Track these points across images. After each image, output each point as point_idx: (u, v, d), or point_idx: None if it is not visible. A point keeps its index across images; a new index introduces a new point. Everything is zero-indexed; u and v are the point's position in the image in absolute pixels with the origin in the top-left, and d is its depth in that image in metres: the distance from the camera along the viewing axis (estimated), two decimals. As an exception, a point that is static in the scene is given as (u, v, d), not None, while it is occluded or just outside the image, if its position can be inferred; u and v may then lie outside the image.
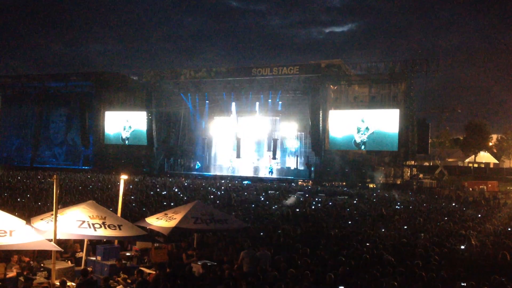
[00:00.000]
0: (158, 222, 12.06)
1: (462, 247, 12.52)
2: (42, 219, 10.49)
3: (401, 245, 12.72)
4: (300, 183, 38.35)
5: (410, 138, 38.29)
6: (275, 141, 43.46)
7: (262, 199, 25.22)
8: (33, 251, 10.88)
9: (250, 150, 45.89)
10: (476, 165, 59.68)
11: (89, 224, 10.16)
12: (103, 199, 20.85)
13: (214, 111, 46.69)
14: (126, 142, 48.57)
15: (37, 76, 53.43)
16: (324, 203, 24.16)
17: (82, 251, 11.43)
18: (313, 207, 22.53)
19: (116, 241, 11.82)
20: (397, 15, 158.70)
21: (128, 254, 11.88)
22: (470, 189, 35.71)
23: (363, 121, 38.89)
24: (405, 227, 16.61)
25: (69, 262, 10.94)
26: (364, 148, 39.22)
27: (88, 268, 10.46)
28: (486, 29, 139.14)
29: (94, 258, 11.26)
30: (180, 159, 47.92)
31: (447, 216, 20.03)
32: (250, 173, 43.38)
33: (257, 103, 44.77)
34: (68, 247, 11.77)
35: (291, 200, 24.70)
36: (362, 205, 23.52)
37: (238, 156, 44.31)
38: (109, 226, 10.33)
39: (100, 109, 49.16)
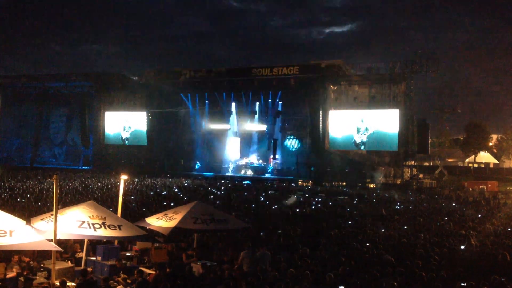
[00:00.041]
0: (158, 222, 12.06)
1: (462, 247, 12.52)
2: (42, 219, 10.49)
3: (401, 245, 12.71)
4: (300, 183, 38.34)
5: (410, 138, 38.28)
6: (275, 141, 43.45)
7: (262, 199, 25.23)
8: (33, 251, 10.88)
9: (250, 150, 45.88)
10: (476, 165, 59.67)
11: (89, 224, 10.16)
12: (103, 199, 20.85)
13: (214, 111, 46.68)
14: (126, 142, 48.60)
15: (37, 76, 53.40)
16: (324, 203, 24.16)
17: (82, 251, 11.43)
18: (313, 207, 22.54)
19: (116, 241, 11.82)
20: (397, 15, 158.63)
21: (128, 254, 11.88)
22: (470, 189, 35.70)
23: (362, 121, 38.92)
24: (405, 227, 16.61)
25: (69, 262, 10.94)
26: (364, 148, 39.24)
27: (88, 268, 10.47)
28: (486, 29, 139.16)
29: (94, 258, 11.26)
30: (180, 159, 47.90)
31: (447, 216, 20.03)
32: (250, 173, 43.39)
33: (257, 103, 44.77)
34: (68, 247, 11.77)
35: (291, 200, 24.71)
36: (362, 205, 23.53)
37: (238, 156, 44.27)
38: (109, 226, 10.33)
39: (100, 109, 49.18)
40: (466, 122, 62.31)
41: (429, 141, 41.70)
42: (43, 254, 10.79)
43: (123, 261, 10.97)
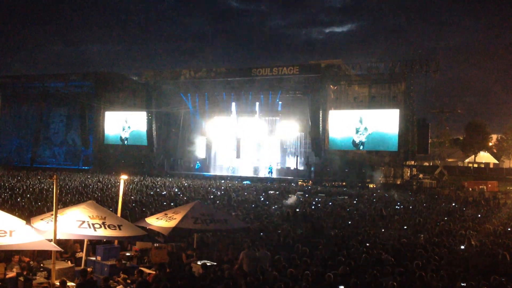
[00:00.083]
0: (158, 222, 12.06)
1: (462, 247, 12.53)
2: (42, 219, 10.50)
3: (401, 245, 12.72)
4: (300, 183, 38.35)
5: (410, 138, 38.29)
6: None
7: (262, 199, 25.23)
8: (33, 251, 10.88)
9: (250, 150, 45.92)
10: (476, 165, 59.64)
11: (89, 224, 10.17)
12: (103, 199, 20.86)
13: (214, 111, 46.67)
14: (125, 142, 48.62)
15: (37, 76, 53.46)
16: (324, 203, 24.17)
17: (82, 251, 11.43)
18: (313, 207, 22.55)
19: (116, 241, 11.82)
20: (397, 15, 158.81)
21: (128, 254, 11.88)
22: (470, 189, 35.72)
23: (361, 121, 38.94)
24: (405, 227, 16.63)
25: (69, 262, 10.94)
26: (363, 148, 39.26)
27: (88, 268, 10.46)
28: (486, 29, 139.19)
29: (94, 258, 11.26)
30: (180, 159, 47.92)
31: (447, 216, 20.05)
32: (250, 173, 43.39)
33: (257, 103, 44.77)
34: (68, 247, 11.77)
35: (291, 200, 24.70)
36: (362, 205, 23.54)
37: (238, 156, 44.30)
38: (109, 226, 10.33)
39: (100, 109, 49.19)
40: (466, 122, 62.35)
41: (429, 141, 41.69)
42: (43, 254, 10.79)
43: (123, 261, 10.97)
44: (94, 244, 11.80)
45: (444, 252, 11.78)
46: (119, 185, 13.33)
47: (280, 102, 43.99)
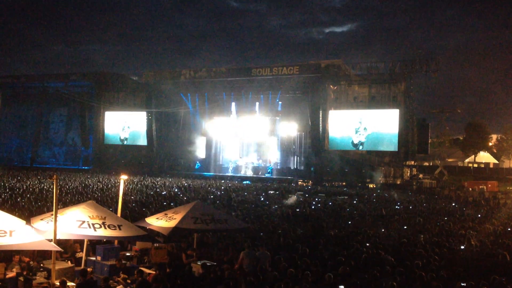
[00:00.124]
0: (158, 222, 12.06)
1: (462, 247, 12.54)
2: (42, 219, 10.50)
3: (401, 245, 12.72)
4: (300, 183, 38.35)
5: (410, 138, 38.29)
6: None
7: (262, 199, 25.24)
8: (33, 251, 10.88)
9: (250, 150, 45.91)
10: (476, 165, 59.66)
11: (89, 224, 10.16)
12: (103, 199, 20.86)
13: (214, 111, 46.66)
14: (125, 142, 48.62)
15: (37, 76, 53.49)
16: (324, 203, 24.17)
17: (82, 251, 11.43)
18: (313, 207, 22.55)
19: (116, 241, 11.83)
20: (397, 15, 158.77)
21: (128, 254, 11.88)
22: (470, 189, 35.72)
23: (360, 122, 38.95)
24: (405, 227, 16.62)
25: (69, 262, 10.94)
26: (363, 148, 39.26)
27: (88, 269, 10.46)
28: (486, 29, 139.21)
29: (94, 258, 11.26)
30: (180, 159, 47.92)
31: (447, 216, 20.05)
32: (250, 173, 43.40)
33: (257, 103, 44.76)
34: (68, 247, 11.77)
35: (291, 200, 24.71)
36: (362, 205, 23.53)
37: (238, 156, 44.27)
38: (109, 226, 10.33)
39: (100, 109, 49.20)
40: (466, 122, 62.37)
41: (429, 141, 41.71)
42: (43, 254, 10.78)
43: (123, 261, 10.98)
44: (94, 244, 11.80)
45: (444, 252, 11.79)
46: (119, 185, 13.32)
47: (280, 102, 43.99)
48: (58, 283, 8.85)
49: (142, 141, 47.22)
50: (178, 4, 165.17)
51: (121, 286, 9.70)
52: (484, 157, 61.14)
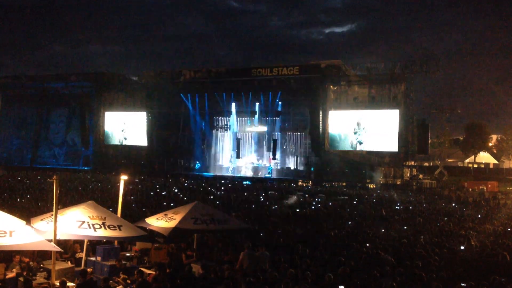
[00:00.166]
0: (158, 222, 12.06)
1: (462, 247, 12.53)
2: (42, 220, 10.50)
3: (401, 245, 12.71)
4: (300, 183, 38.32)
5: (410, 139, 38.29)
6: (274, 141, 43.42)
7: (262, 199, 25.23)
8: (33, 252, 10.88)
9: (250, 150, 45.90)
10: (476, 166, 59.63)
11: (89, 225, 10.17)
12: (103, 199, 20.83)
13: (214, 111, 46.68)
14: (125, 142, 48.59)
15: (37, 76, 53.49)
16: (324, 203, 24.16)
17: (82, 251, 11.43)
18: (313, 207, 22.54)
19: (116, 242, 11.82)
20: (397, 16, 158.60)
21: (128, 254, 11.89)
22: (470, 189, 35.71)
23: (359, 123, 38.94)
24: (405, 227, 16.60)
25: (69, 262, 10.95)
26: (362, 148, 39.24)
27: (88, 269, 10.46)
28: (486, 29, 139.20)
29: (94, 259, 11.27)
30: (180, 159, 47.91)
31: (447, 216, 20.03)
32: (250, 173, 43.39)
33: (257, 103, 44.75)
34: (68, 248, 11.78)
35: (291, 200, 24.70)
36: (362, 206, 23.52)
37: (238, 156, 44.30)
38: (109, 227, 10.34)
39: (100, 109, 49.21)
40: (466, 122, 62.24)
41: (429, 141, 41.66)
42: (43, 255, 10.79)
43: (123, 262, 10.98)
44: (94, 244, 11.80)
45: (444, 252, 11.78)
46: (119, 185, 13.32)
47: (280, 102, 43.98)
48: (58, 284, 8.85)
49: (142, 141, 47.20)
50: (178, 4, 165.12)
51: (121, 286, 9.70)
52: (484, 157, 61.13)
